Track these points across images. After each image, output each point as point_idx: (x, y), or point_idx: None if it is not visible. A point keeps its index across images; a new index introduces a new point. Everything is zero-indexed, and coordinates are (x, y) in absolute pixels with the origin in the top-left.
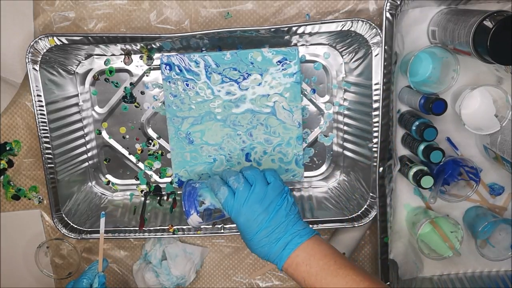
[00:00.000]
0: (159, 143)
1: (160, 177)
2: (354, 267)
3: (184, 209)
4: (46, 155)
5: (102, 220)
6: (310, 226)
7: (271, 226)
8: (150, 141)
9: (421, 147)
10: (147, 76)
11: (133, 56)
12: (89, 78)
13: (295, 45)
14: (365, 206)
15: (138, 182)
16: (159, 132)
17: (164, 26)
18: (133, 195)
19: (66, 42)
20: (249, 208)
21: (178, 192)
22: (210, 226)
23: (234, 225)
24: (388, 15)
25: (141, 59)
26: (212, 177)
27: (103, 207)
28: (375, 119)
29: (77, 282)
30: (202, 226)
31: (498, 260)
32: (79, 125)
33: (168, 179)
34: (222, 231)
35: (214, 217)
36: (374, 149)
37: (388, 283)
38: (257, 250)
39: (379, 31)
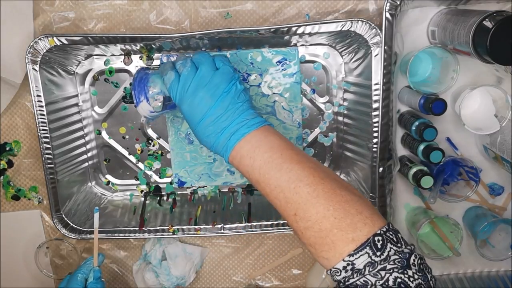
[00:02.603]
0: (159, 143)
1: (160, 177)
2: (302, 160)
3: (133, 97)
4: (46, 155)
5: (96, 215)
6: None
7: (216, 113)
8: (150, 141)
9: (421, 147)
10: None
11: (133, 56)
12: (89, 78)
13: (295, 45)
14: None
15: (138, 182)
16: (159, 132)
17: (164, 26)
18: (133, 195)
19: (66, 42)
20: (193, 93)
21: (178, 192)
22: (157, 115)
23: (234, 225)
24: (387, 15)
25: (141, 59)
26: (163, 63)
27: (103, 207)
28: (375, 119)
29: (72, 277)
30: (151, 117)
31: (498, 260)
32: (79, 125)
33: (168, 179)
34: (222, 231)
35: (165, 106)
36: (374, 149)
37: None
38: (203, 141)
39: (379, 31)
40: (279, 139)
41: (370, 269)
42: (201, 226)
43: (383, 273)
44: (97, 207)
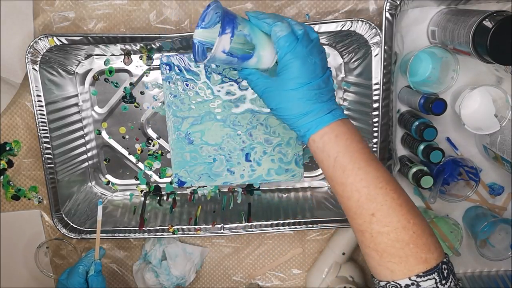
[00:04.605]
0: (158, 143)
1: (160, 177)
2: (383, 165)
3: (220, 26)
4: (46, 155)
5: (100, 208)
6: (310, 226)
7: (323, 85)
8: (150, 141)
9: (421, 147)
10: (146, 76)
11: (132, 56)
12: (88, 78)
13: None
14: None
15: (138, 182)
16: (159, 132)
17: (164, 26)
18: (133, 195)
19: (65, 42)
20: (312, 55)
21: (178, 192)
22: (222, 61)
23: (234, 225)
24: (387, 15)
25: (141, 59)
26: (262, 12)
27: (103, 207)
28: (375, 119)
29: (73, 269)
30: (215, 58)
31: (498, 260)
32: (79, 125)
33: (168, 179)
34: (222, 231)
35: (240, 53)
36: (373, 149)
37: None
38: (294, 103)
39: (379, 31)
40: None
41: None
42: (201, 226)
43: None
44: (101, 200)
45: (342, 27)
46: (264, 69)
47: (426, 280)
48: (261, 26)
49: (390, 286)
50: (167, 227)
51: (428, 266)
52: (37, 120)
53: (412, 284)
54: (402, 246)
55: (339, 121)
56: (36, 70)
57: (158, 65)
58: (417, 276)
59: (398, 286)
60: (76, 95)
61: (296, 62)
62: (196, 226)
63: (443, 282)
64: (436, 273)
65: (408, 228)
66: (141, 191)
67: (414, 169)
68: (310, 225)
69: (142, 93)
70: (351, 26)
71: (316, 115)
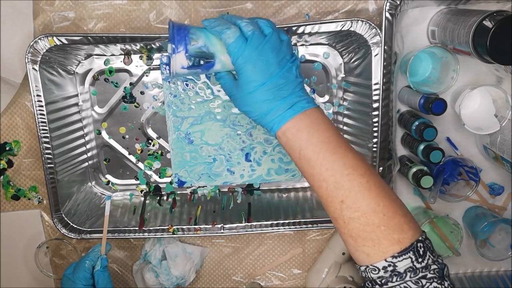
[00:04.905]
0: (158, 143)
1: (160, 177)
2: (353, 149)
3: (170, 47)
4: (46, 155)
5: (108, 203)
6: (310, 226)
7: (281, 82)
8: (150, 141)
9: (421, 147)
10: (146, 76)
11: (132, 56)
12: (88, 78)
13: (295, 45)
14: None
15: (138, 182)
16: (159, 132)
17: (164, 26)
18: (132, 195)
19: (65, 42)
20: (263, 54)
21: (178, 192)
22: (187, 74)
23: (234, 225)
24: (387, 15)
25: (141, 59)
26: (213, 18)
27: (102, 207)
28: (375, 119)
29: (79, 263)
30: (178, 74)
31: (498, 260)
32: (79, 125)
33: (168, 179)
34: (222, 231)
35: (201, 65)
36: (373, 149)
37: None
38: (254, 105)
39: (379, 31)
40: (332, 124)
41: (412, 275)
42: (201, 226)
43: (424, 281)
44: (109, 195)
45: (342, 27)
46: (230, 71)
47: (401, 260)
48: (215, 34)
49: (369, 270)
50: (167, 227)
51: (402, 246)
52: (37, 120)
53: (389, 265)
54: (373, 229)
55: (301, 115)
56: (36, 70)
57: (158, 65)
58: (393, 257)
59: (376, 269)
60: (76, 95)
61: (247, 65)
62: (196, 226)
63: (420, 260)
64: (411, 252)
65: (378, 211)
66: (141, 191)
67: (414, 169)
68: (310, 225)
69: (142, 93)
70: (351, 26)
71: (276, 112)
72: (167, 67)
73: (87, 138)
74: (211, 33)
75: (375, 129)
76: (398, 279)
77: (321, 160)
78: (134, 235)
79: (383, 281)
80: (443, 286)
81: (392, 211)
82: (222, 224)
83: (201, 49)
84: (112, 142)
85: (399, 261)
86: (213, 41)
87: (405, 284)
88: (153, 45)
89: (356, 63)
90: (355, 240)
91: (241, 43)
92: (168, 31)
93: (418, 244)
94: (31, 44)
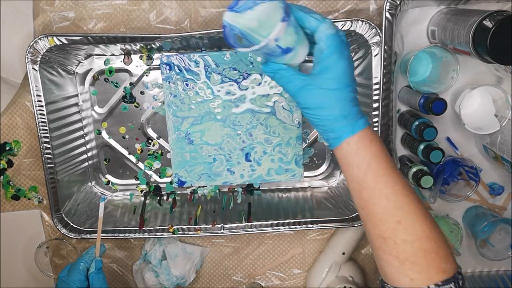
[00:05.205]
0: (158, 143)
1: (160, 177)
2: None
3: (285, 10)
4: (46, 155)
5: (102, 204)
6: (310, 226)
7: (356, 90)
8: (150, 141)
9: (421, 147)
10: (146, 76)
11: (132, 56)
12: (88, 78)
13: None
14: None
15: (138, 182)
16: (159, 132)
17: (164, 26)
18: (133, 195)
19: (65, 42)
20: (351, 59)
21: (178, 192)
22: (270, 49)
23: (234, 225)
24: (387, 15)
25: (141, 59)
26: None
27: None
28: (375, 119)
29: (74, 265)
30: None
31: (498, 260)
32: (79, 125)
33: (168, 179)
34: (222, 231)
35: (274, 52)
36: None
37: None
38: (334, 103)
39: (379, 31)
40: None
41: None
42: (201, 226)
43: None
44: (103, 196)
45: (342, 27)
46: (292, 66)
47: None
48: (306, 21)
49: None
50: (167, 227)
51: (447, 276)
52: (37, 120)
53: None
54: (425, 255)
55: (370, 127)
56: (36, 70)
57: (158, 65)
58: (436, 285)
59: None
60: (76, 95)
61: (342, 62)
62: (196, 226)
63: None
64: (453, 283)
65: (431, 237)
66: (141, 191)
67: (414, 169)
68: (310, 225)
69: (142, 93)
70: (351, 26)
71: (353, 118)
72: (167, 67)
73: (87, 138)
74: (299, 19)
75: (375, 129)
76: None
77: (387, 176)
78: (134, 235)
79: None
80: None
81: (441, 240)
82: (222, 224)
83: (294, 30)
84: (112, 142)
85: None
86: (298, 28)
87: None
88: (153, 45)
89: (356, 63)
90: (402, 262)
91: (339, 40)
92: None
93: (459, 276)
94: (31, 44)
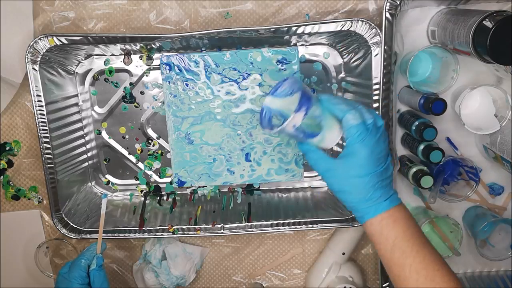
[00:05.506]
0: (158, 143)
1: (160, 177)
2: (435, 249)
3: (299, 102)
4: (46, 155)
5: (104, 201)
6: (310, 226)
7: (384, 173)
8: (150, 141)
9: (421, 147)
10: (146, 76)
11: (132, 56)
12: (88, 78)
13: (295, 45)
14: None
15: (138, 182)
16: (159, 132)
17: (164, 26)
18: (133, 195)
19: (65, 42)
20: (379, 145)
21: (178, 192)
22: (290, 134)
23: (234, 225)
24: (387, 15)
25: (141, 59)
26: (329, 94)
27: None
28: None
29: (74, 262)
30: (281, 131)
31: (498, 260)
32: (78, 125)
33: (168, 179)
34: (222, 231)
35: (307, 130)
36: None
37: (388, 283)
38: (357, 189)
39: (379, 31)
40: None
41: None
42: (201, 226)
43: None
44: (105, 193)
45: (342, 27)
46: (322, 148)
47: None
48: (333, 110)
49: None
50: (167, 227)
51: None
52: (37, 120)
53: None
54: None
55: (397, 207)
56: (36, 70)
57: (158, 65)
58: None
59: None
60: (76, 95)
61: (364, 151)
62: (196, 226)
63: None
64: None
65: None
66: (141, 191)
67: (414, 169)
68: (310, 225)
69: (142, 93)
70: (351, 26)
71: (376, 201)
72: (167, 67)
73: (87, 138)
74: (327, 108)
75: None
76: None
77: (415, 252)
78: (134, 235)
79: None
80: None
81: None
82: (222, 224)
83: (316, 119)
84: (112, 142)
85: None
86: (326, 115)
87: None
88: (153, 45)
89: (356, 63)
90: None
91: (363, 128)
92: (281, 82)
93: None
94: (31, 44)
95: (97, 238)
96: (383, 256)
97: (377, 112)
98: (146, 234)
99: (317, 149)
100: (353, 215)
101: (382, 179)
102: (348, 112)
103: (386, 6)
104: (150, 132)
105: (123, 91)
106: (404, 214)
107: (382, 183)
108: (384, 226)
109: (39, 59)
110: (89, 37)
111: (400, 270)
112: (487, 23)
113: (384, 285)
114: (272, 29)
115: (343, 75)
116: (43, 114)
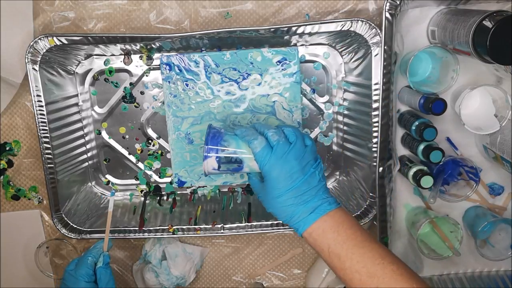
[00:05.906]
0: (158, 143)
1: (160, 177)
2: (378, 242)
3: (204, 151)
4: (46, 155)
5: (111, 199)
6: None
7: (304, 187)
8: (150, 141)
9: (421, 147)
10: (146, 76)
11: (132, 56)
12: (88, 78)
13: (295, 45)
14: (365, 206)
15: (138, 182)
16: (159, 132)
17: (164, 26)
18: (133, 195)
19: (65, 42)
20: (287, 163)
21: (178, 192)
22: (217, 173)
23: (234, 225)
24: (387, 15)
25: (141, 59)
26: (245, 126)
27: (103, 207)
28: (375, 119)
29: (81, 259)
30: (208, 174)
31: (498, 260)
32: (78, 125)
33: (168, 179)
34: (222, 231)
35: (230, 167)
36: (373, 149)
37: None
38: (279, 209)
39: (379, 31)
40: (355, 220)
41: None
42: (201, 226)
43: None
44: (113, 190)
45: (342, 27)
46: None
47: None
48: (246, 141)
49: None
50: (167, 227)
51: None
52: (37, 120)
53: None
54: None
55: (325, 216)
56: (36, 70)
57: (158, 65)
58: None
59: None
60: (76, 95)
61: (272, 173)
62: (196, 226)
63: None
64: None
65: None
66: (141, 191)
67: (414, 169)
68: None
69: (142, 93)
70: (351, 26)
71: (300, 216)
72: (167, 67)
73: (87, 138)
74: (243, 140)
75: (375, 129)
76: None
77: (351, 254)
78: (134, 235)
79: None
80: None
81: None
82: (222, 224)
83: (230, 155)
84: (112, 142)
85: None
86: (243, 148)
87: None
88: (153, 45)
89: (356, 63)
90: None
91: (266, 152)
92: (205, 135)
93: None
94: (31, 44)
95: (98, 238)
96: (328, 265)
97: (299, 128)
98: (146, 234)
99: (253, 175)
100: (352, 215)
101: (302, 193)
102: (250, 142)
103: (386, 6)
104: (150, 132)
105: (123, 91)
106: (334, 221)
107: (303, 197)
108: (316, 237)
109: (39, 59)
110: (89, 37)
111: (344, 275)
112: (487, 23)
113: None
114: (272, 29)
115: (343, 75)
116: (43, 114)
